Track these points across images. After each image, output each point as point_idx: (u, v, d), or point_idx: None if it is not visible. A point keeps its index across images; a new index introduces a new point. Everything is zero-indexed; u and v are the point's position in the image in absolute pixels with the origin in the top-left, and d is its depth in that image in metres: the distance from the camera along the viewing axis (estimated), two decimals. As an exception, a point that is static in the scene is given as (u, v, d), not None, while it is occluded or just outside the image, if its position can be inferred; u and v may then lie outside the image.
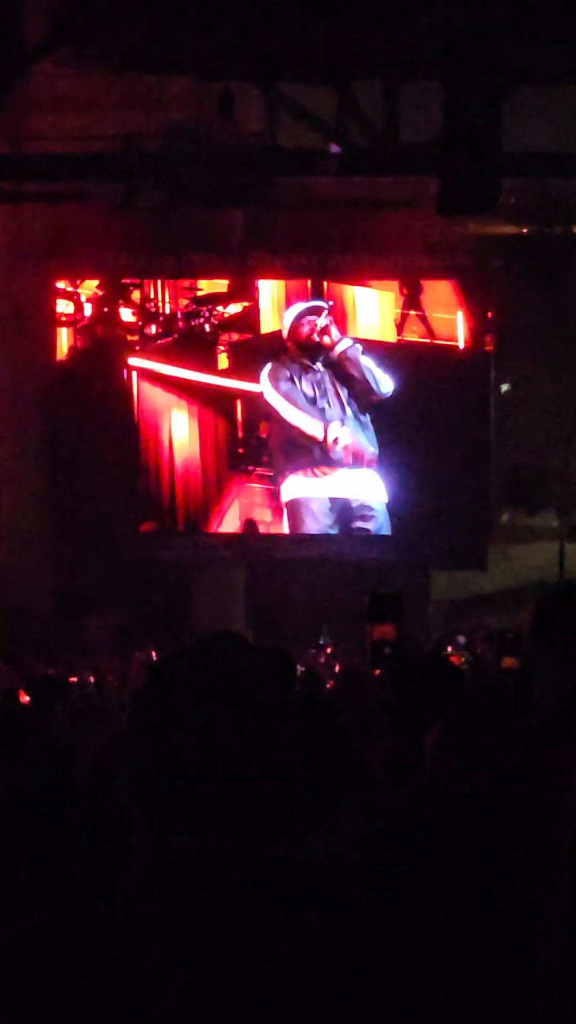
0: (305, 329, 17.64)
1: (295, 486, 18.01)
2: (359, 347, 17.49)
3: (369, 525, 18.10)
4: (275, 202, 17.80)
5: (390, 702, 3.84)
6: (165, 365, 19.67)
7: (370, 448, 17.66)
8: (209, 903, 1.66)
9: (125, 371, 20.03)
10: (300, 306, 18.02)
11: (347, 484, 17.76)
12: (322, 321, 17.42)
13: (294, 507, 18.19)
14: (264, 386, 18.18)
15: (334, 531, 18.14)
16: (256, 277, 19.52)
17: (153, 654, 15.92)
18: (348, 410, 17.58)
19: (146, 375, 19.87)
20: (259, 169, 16.85)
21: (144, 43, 16.46)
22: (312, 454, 17.94)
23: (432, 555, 20.38)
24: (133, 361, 19.91)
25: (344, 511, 18.06)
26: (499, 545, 22.47)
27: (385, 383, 17.55)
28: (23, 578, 19.51)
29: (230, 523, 19.53)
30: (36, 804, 4.08)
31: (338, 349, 17.46)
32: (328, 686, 10.69)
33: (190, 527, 19.82)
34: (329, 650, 17.60)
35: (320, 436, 17.40)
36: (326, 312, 17.60)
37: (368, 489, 17.89)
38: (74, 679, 14.37)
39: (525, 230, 18.90)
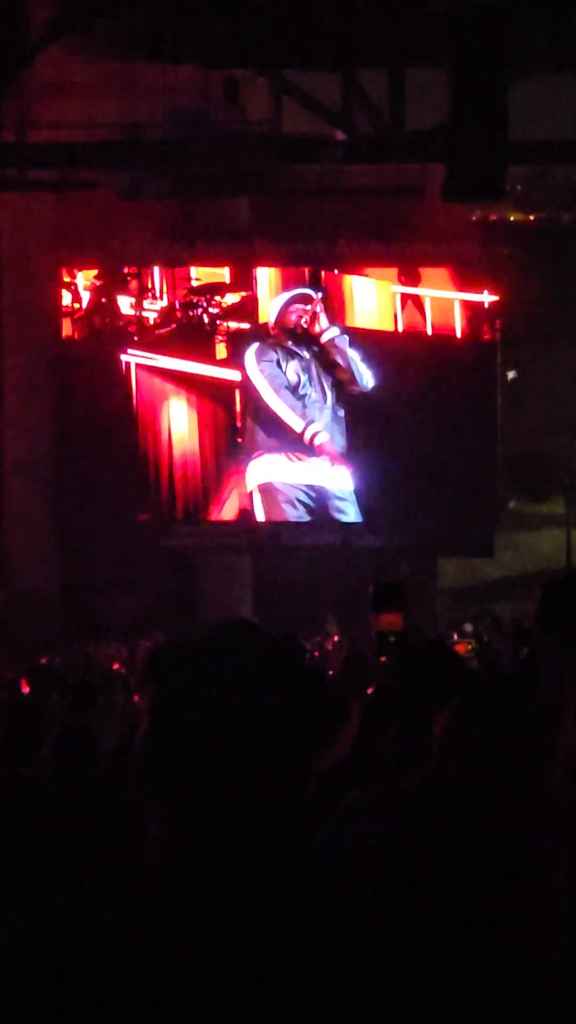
0: (293, 317, 17.73)
1: (269, 468, 17.92)
2: (347, 337, 17.43)
3: (341, 517, 17.93)
4: (281, 190, 17.78)
5: (395, 690, 3.85)
6: (162, 356, 19.65)
7: (341, 444, 17.65)
8: (225, 892, 1.66)
9: (123, 363, 20.04)
10: (288, 294, 18.00)
11: (323, 473, 17.53)
12: (312, 308, 17.16)
13: (268, 491, 18.12)
14: (248, 365, 18.21)
15: (307, 518, 18.18)
16: (260, 265, 19.50)
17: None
18: (329, 399, 17.51)
19: (144, 366, 19.87)
20: (264, 157, 16.82)
21: (149, 31, 16.43)
22: (288, 436, 17.85)
23: (439, 542, 20.38)
24: (129, 354, 19.89)
25: (320, 499, 17.89)
26: (506, 533, 22.46)
27: (367, 377, 17.64)
28: (32, 566, 19.54)
29: (229, 512, 19.56)
30: (45, 794, 4.08)
31: (325, 337, 17.47)
32: (330, 674, 10.69)
33: (189, 517, 19.82)
34: (336, 637, 17.61)
35: (299, 429, 17.40)
36: (317, 301, 17.56)
37: (340, 480, 17.69)
38: (81, 668, 14.39)
39: (531, 217, 18.85)
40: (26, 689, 10.41)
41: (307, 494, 17.99)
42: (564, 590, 3.32)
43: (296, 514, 18.16)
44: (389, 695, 3.87)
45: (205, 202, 18.57)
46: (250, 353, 18.23)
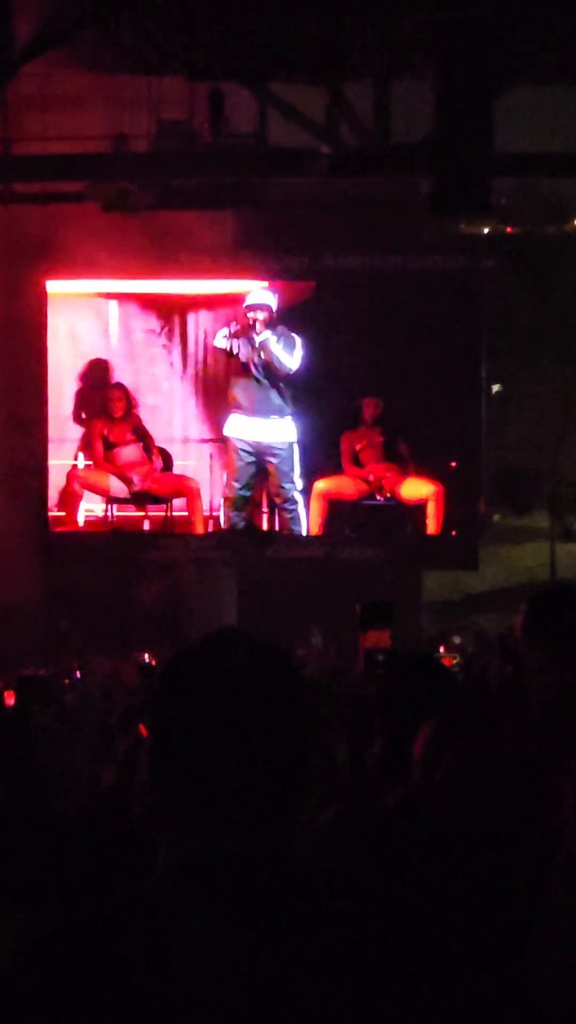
0: (250, 315, 18.62)
1: (232, 424, 19.29)
2: (273, 338, 18.45)
3: (275, 460, 19.08)
4: (266, 203, 17.80)
5: (382, 703, 3.84)
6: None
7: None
8: (231, 904, 1.65)
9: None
10: (258, 297, 18.77)
11: (269, 431, 19.05)
12: (254, 314, 18.48)
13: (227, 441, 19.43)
14: (215, 342, 19.21)
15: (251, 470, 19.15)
16: (247, 278, 19.52)
17: (147, 656, 15.90)
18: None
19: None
20: (250, 170, 16.84)
21: (134, 43, 16.45)
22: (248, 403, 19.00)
23: (423, 555, 20.40)
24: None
25: (259, 452, 19.13)
26: (490, 545, 22.48)
27: (289, 362, 18.64)
28: (17, 577, 19.49)
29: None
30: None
31: (257, 340, 18.47)
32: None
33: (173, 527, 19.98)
34: (322, 651, 17.60)
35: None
36: (269, 313, 18.56)
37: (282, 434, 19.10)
38: (65, 680, 14.36)
39: (517, 230, 18.89)
40: (10, 701, 10.37)
41: (250, 445, 19.09)
42: (549, 603, 3.32)
43: (239, 464, 19.19)
44: (376, 708, 3.87)
45: (190, 215, 18.57)
46: (219, 334, 19.13)
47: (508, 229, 18.78)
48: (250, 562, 19.87)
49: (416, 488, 19.48)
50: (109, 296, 20.24)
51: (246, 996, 1.62)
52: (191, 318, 20.38)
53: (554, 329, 22.02)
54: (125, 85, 17.97)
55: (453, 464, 19.90)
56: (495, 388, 21.58)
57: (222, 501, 19.44)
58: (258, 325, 18.44)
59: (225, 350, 18.86)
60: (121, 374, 20.21)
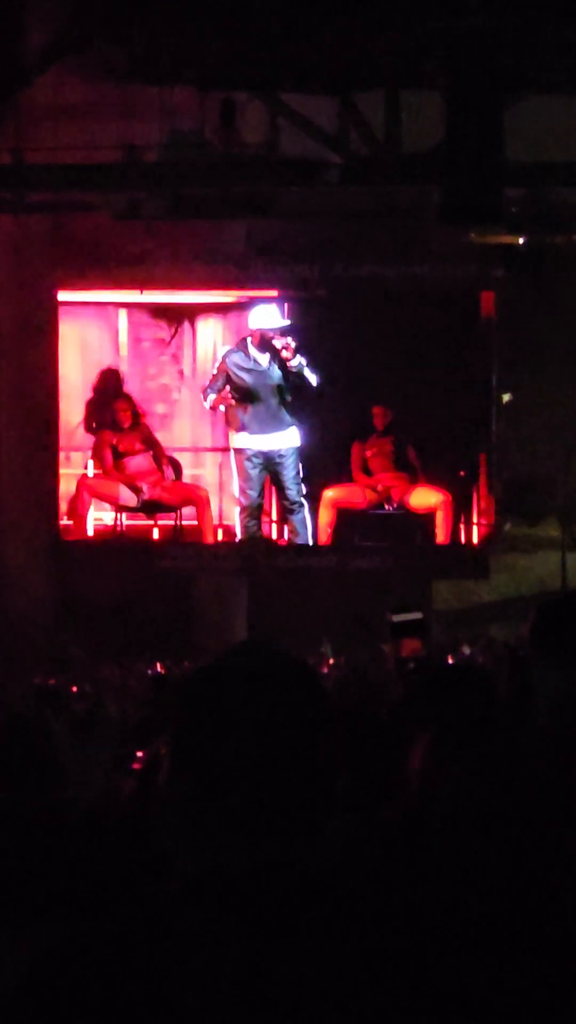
0: (270, 336, 18.41)
1: (240, 438, 19.20)
2: (303, 361, 18.37)
3: (281, 465, 19.07)
4: (277, 212, 17.82)
5: (420, 713, 3.81)
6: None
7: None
8: (251, 916, 1.66)
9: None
10: (275, 319, 18.59)
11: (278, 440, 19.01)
12: (284, 340, 18.28)
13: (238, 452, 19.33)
14: (219, 360, 19.01)
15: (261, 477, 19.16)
16: (258, 288, 19.54)
17: (158, 665, 15.90)
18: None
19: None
20: (261, 179, 16.87)
21: (146, 53, 16.49)
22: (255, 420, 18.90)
23: (434, 564, 20.40)
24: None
25: (267, 458, 19.05)
26: (501, 555, 22.44)
27: (313, 380, 18.56)
28: (28, 585, 19.51)
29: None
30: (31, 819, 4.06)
31: (292, 364, 18.34)
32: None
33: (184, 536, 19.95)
34: (331, 661, 17.58)
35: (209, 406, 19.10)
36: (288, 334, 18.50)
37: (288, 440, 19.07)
38: (75, 688, 14.35)
39: (527, 240, 18.88)
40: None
41: (260, 453, 19.04)
42: (559, 612, 3.30)
43: (252, 472, 19.12)
44: (416, 718, 3.84)
45: (201, 224, 18.59)
46: (223, 353, 19.05)
47: (518, 239, 18.75)
48: (261, 572, 19.86)
49: (425, 497, 19.47)
50: (118, 305, 20.24)
51: (265, 1008, 1.63)
52: (200, 326, 20.37)
53: (565, 339, 21.99)
54: (137, 95, 18.02)
55: (462, 473, 19.90)
56: (506, 397, 21.55)
57: (238, 510, 19.40)
58: (288, 350, 18.22)
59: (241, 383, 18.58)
60: (130, 383, 20.20)
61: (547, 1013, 2.35)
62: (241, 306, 19.75)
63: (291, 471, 19.03)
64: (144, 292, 19.88)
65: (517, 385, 22.41)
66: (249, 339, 18.62)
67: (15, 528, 19.73)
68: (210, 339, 20.36)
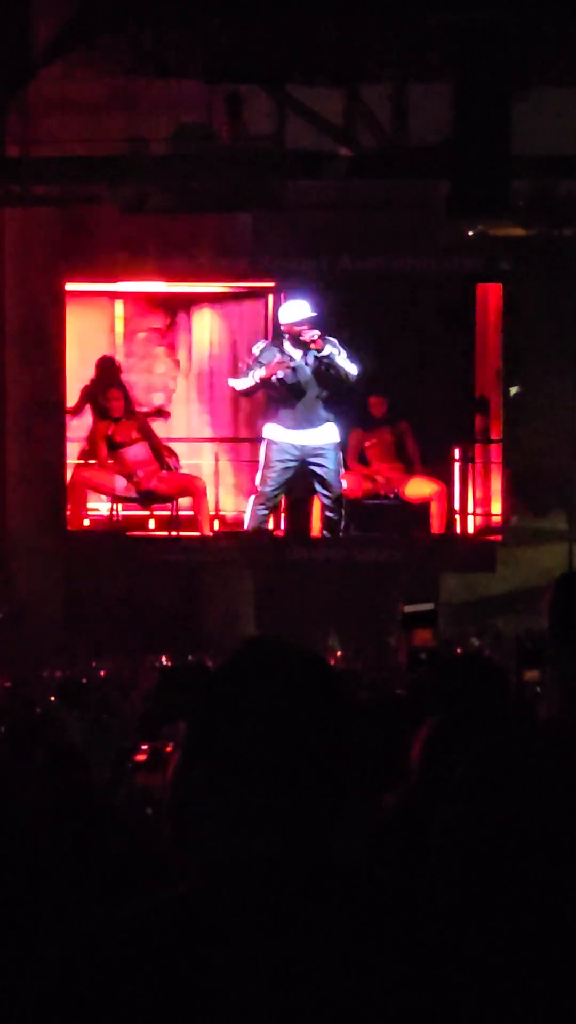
0: (297, 330, 18.22)
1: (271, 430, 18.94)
2: (335, 350, 18.19)
3: (319, 469, 18.85)
4: (284, 205, 17.81)
5: (437, 703, 3.82)
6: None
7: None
8: (268, 906, 1.67)
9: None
10: (302, 312, 18.34)
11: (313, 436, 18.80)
12: (311, 333, 18.08)
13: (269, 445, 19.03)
14: (253, 353, 18.74)
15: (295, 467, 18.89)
16: (263, 280, 19.54)
17: (164, 658, 15.91)
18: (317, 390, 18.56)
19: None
20: (267, 172, 16.86)
21: (153, 46, 16.48)
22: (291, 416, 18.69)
23: (441, 557, 20.41)
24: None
25: (303, 455, 18.80)
26: (508, 547, 22.44)
27: (352, 370, 18.32)
28: (34, 578, 19.53)
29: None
30: (52, 814, 4.07)
31: (321, 354, 18.14)
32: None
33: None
34: (339, 653, 17.61)
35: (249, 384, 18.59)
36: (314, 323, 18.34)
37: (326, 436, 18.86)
38: (84, 681, 14.36)
39: (534, 233, 18.86)
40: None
41: (296, 449, 18.78)
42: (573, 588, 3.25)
43: (277, 465, 18.85)
44: (427, 708, 3.85)
45: (208, 217, 18.59)
46: (257, 347, 18.74)
47: (526, 231, 18.73)
48: (268, 564, 19.87)
49: (420, 487, 19.47)
50: (115, 295, 20.19)
51: (282, 998, 1.64)
52: (196, 316, 20.34)
53: (572, 331, 21.97)
54: (143, 87, 18.01)
55: (470, 465, 19.91)
56: (513, 390, 21.55)
57: (252, 498, 19.29)
58: (315, 343, 18.07)
59: (278, 378, 18.37)
60: (127, 372, 20.15)
61: (549, 999, 2.36)
62: (237, 296, 19.75)
63: (332, 467, 18.95)
64: (150, 284, 19.88)
65: (525, 377, 22.40)
66: (285, 336, 18.52)
67: (22, 521, 19.74)
68: (206, 329, 20.32)
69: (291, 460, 18.87)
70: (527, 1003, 2.38)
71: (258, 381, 18.37)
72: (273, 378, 18.28)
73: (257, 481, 19.13)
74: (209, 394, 20.48)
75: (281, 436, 18.79)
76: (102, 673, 15.00)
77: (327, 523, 19.34)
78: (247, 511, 19.34)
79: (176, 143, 17.28)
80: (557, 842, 2.77)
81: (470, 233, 18.43)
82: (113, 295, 20.19)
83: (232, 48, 15.85)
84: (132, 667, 15.80)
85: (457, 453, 20.05)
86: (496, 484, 20.43)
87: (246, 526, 19.38)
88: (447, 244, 19.22)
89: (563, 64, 15.52)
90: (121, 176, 16.78)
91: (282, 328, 18.53)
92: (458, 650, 15.36)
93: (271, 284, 19.41)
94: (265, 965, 1.64)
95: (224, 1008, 1.63)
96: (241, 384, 18.60)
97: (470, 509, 20.22)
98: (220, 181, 16.99)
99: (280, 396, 18.52)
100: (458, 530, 20.01)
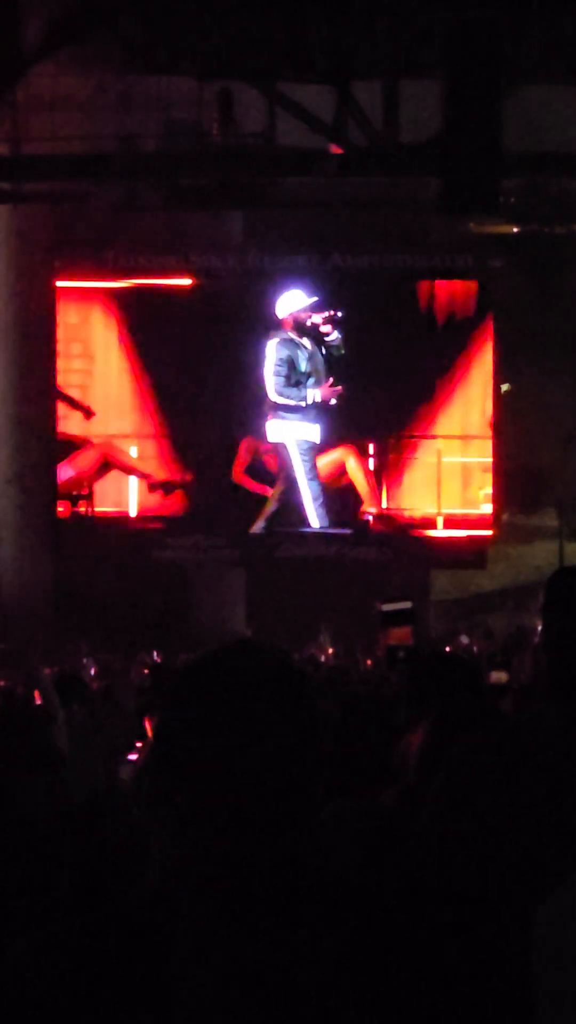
0: (303, 317, 18.56)
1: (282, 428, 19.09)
2: (339, 338, 18.56)
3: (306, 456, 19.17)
4: (275, 202, 17.80)
5: (410, 702, 3.82)
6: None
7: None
8: (236, 909, 1.67)
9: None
10: (302, 299, 18.59)
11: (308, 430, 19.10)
12: (318, 317, 18.39)
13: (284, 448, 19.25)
14: (268, 356, 18.87)
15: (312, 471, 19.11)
16: (256, 277, 19.53)
17: (155, 655, 15.90)
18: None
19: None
20: (258, 169, 16.85)
21: (144, 43, 16.46)
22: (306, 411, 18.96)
23: (432, 554, 20.43)
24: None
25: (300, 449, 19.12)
26: (499, 544, 22.47)
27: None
28: (24, 575, 19.52)
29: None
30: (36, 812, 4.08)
31: (329, 339, 18.50)
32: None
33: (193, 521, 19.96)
34: (330, 650, 17.61)
35: (305, 403, 18.84)
36: (328, 312, 18.59)
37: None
38: (81, 676, 14.34)
39: (525, 229, 18.87)
40: (38, 700, 10.36)
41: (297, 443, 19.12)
42: (569, 582, 3.23)
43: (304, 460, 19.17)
44: (407, 705, 3.85)
45: (199, 214, 18.58)
46: (271, 345, 18.90)
47: (516, 228, 18.74)
48: (259, 562, 19.89)
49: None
50: (111, 291, 20.14)
51: (253, 1001, 1.64)
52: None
53: (563, 328, 21.98)
54: (134, 85, 17.99)
55: (464, 462, 19.95)
56: (504, 387, 21.57)
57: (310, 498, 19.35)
58: (327, 325, 18.30)
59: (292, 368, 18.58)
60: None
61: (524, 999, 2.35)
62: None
63: (310, 461, 19.14)
64: (141, 281, 19.85)
65: (516, 375, 22.42)
66: (289, 329, 18.60)
67: (13, 518, 19.74)
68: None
69: (310, 452, 19.05)
70: (499, 1004, 2.38)
71: (316, 401, 18.58)
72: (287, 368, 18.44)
73: (301, 482, 19.13)
74: (209, 389, 20.42)
75: (282, 435, 18.88)
76: (93, 671, 14.98)
77: (324, 516, 19.42)
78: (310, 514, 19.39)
79: (167, 140, 17.27)
80: (541, 832, 2.77)
81: (470, 226, 18.47)
82: (110, 291, 20.16)
83: (223, 45, 15.84)
84: (123, 664, 15.78)
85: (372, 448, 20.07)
86: (410, 480, 20.35)
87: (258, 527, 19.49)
88: (438, 241, 19.24)
89: (553, 62, 15.52)
90: (112, 174, 16.77)
91: (282, 320, 18.58)
92: (447, 648, 15.37)
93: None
94: (231, 967, 1.64)
95: (189, 1011, 1.63)
96: (293, 400, 18.71)
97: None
98: (211, 178, 16.97)
99: (300, 386, 18.69)
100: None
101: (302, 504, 19.33)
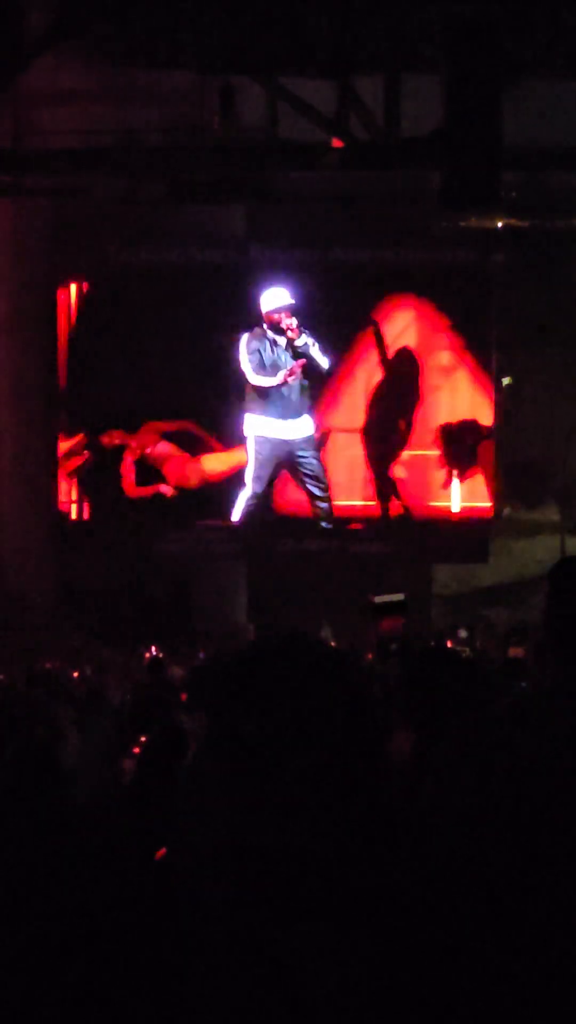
0: (275, 317, 18.44)
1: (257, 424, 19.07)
2: (310, 340, 18.38)
3: (306, 453, 19.21)
4: (276, 197, 17.79)
5: (403, 697, 3.82)
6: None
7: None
8: (269, 892, 1.68)
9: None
10: (281, 299, 18.51)
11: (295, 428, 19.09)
12: (289, 320, 18.31)
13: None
14: (241, 349, 18.84)
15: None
16: (257, 272, 19.53)
17: (155, 649, 15.92)
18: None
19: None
20: (260, 164, 16.84)
21: (145, 37, 16.47)
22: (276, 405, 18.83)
23: (433, 548, 20.45)
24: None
25: (286, 450, 19.09)
26: (500, 539, 22.49)
27: (324, 363, 18.66)
28: (25, 569, 19.54)
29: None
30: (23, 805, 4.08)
31: (297, 343, 18.37)
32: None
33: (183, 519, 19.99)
34: (332, 645, 17.62)
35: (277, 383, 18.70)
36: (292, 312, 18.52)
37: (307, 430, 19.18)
38: (76, 673, 14.38)
39: (526, 224, 18.87)
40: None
41: (271, 443, 19.06)
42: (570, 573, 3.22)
43: (260, 459, 19.15)
44: (400, 700, 3.85)
45: (200, 209, 18.57)
46: (242, 341, 18.82)
47: (517, 222, 18.74)
48: (260, 555, 19.89)
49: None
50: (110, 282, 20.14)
51: (275, 986, 1.65)
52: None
53: (564, 322, 21.99)
54: (135, 79, 18.00)
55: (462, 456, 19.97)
56: (505, 381, 21.58)
57: (246, 494, 19.31)
58: (292, 331, 18.26)
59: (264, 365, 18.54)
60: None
61: (544, 995, 2.37)
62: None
63: (317, 459, 19.13)
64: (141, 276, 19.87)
65: (517, 369, 22.43)
66: (265, 324, 18.60)
67: (15, 513, 19.75)
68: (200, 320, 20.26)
69: (279, 454, 18.96)
70: (517, 996, 2.39)
71: (283, 381, 18.55)
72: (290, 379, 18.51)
73: (249, 478, 19.15)
74: (206, 385, 20.44)
75: (267, 429, 18.85)
76: (88, 669, 15.01)
77: (324, 514, 19.40)
78: (237, 506, 19.37)
79: (168, 135, 17.27)
80: (541, 831, 2.77)
81: (471, 220, 18.45)
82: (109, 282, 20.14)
83: (225, 40, 15.84)
84: (124, 659, 15.81)
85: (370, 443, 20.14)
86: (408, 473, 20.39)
87: (236, 520, 19.42)
88: (439, 236, 19.24)
89: (554, 56, 15.52)
90: (112, 168, 16.76)
91: (263, 315, 18.58)
92: (448, 642, 15.39)
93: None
94: (253, 954, 1.65)
95: (210, 995, 1.64)
96: (267, 383, 18.66)
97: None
98: (212, 172, 16.97)
99: (264, 387, 18.60)
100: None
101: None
